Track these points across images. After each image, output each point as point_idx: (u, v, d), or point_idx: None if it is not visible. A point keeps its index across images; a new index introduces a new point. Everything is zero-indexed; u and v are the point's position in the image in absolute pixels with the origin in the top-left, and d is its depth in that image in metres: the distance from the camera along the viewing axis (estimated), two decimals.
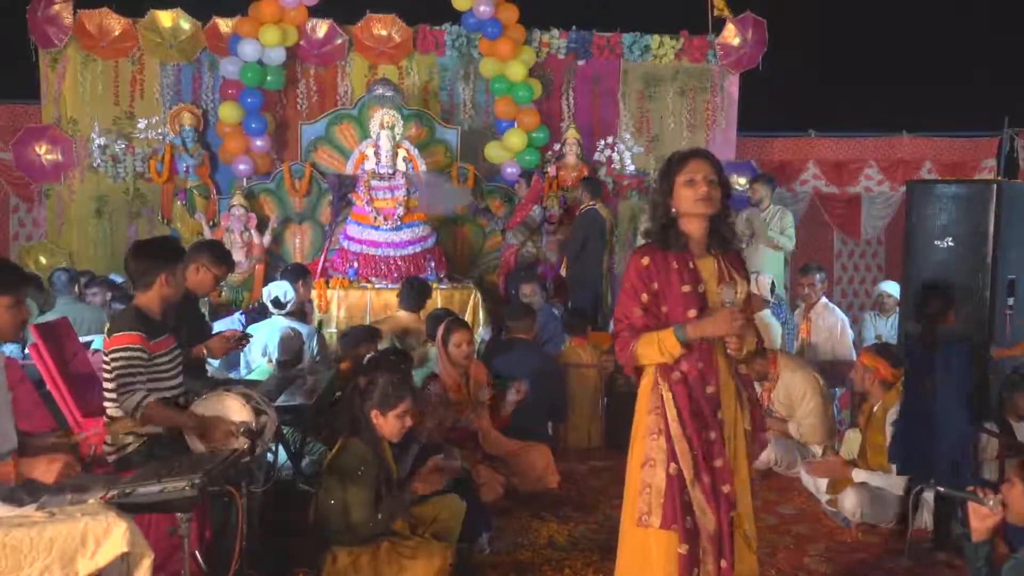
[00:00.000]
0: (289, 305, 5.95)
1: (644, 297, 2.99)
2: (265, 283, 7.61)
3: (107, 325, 3.80)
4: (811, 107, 10.36)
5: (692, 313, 2.95)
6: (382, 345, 5.65)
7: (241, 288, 8.24)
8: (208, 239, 6.35)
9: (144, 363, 3.63)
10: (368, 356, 5.00)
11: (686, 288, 2.96)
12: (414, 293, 6.51)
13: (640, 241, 3.30)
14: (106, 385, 3.69)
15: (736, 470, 3.03)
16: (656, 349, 2.94)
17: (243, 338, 4.64)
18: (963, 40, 10.30)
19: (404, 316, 6.42)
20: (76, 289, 7.07)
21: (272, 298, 5.96)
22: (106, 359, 3.67)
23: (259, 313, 6.41)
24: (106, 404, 3.73)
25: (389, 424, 3.77)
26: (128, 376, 3.57)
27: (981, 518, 2.70)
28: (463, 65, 9.69)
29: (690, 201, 2.94)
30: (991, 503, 2.66)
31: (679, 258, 2.99)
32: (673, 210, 2.99)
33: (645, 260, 3.01)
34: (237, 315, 6.74)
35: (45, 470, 2.79)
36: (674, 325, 2.93)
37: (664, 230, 3.01)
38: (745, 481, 3.06)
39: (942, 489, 2.80)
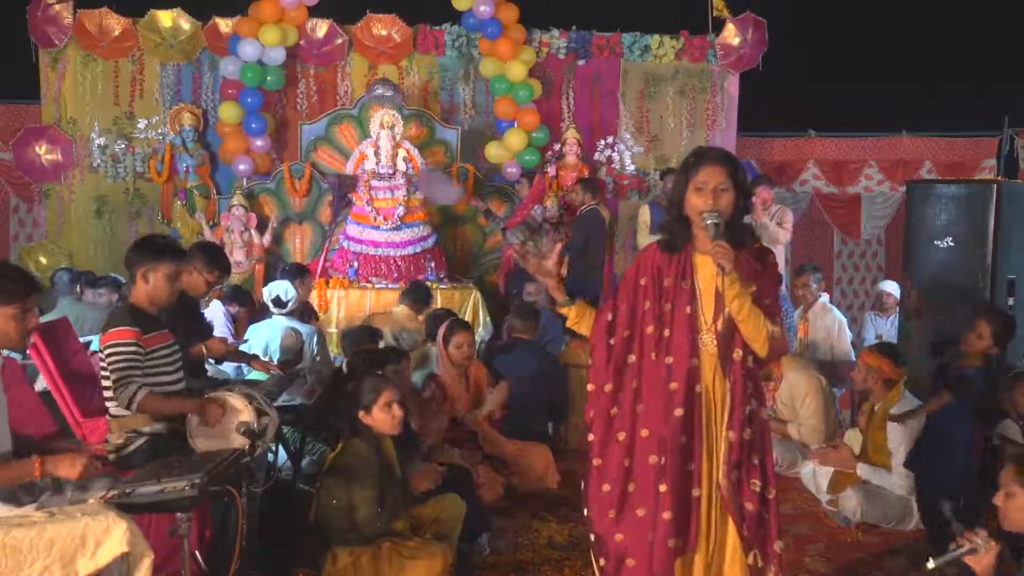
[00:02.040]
0: (290, 304, 5.94)
1: (620, 290, 3.03)
2: (265, 283, 7.61)
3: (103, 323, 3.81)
4: (811, 107, 10.36)
5: (667, 306, 2.94)
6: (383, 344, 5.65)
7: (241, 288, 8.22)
8: (206, 242, 6.33)
9: (140, 357, 3.64)
10: (345, 361, 4.81)
11: (667, 281, 2.96)
12: (413, 295, 6.57)
13: (642, 240, 3.34)
14: (105, 384, 3.70)
15: (710, 477, 2.92)
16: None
17: (251, 358, 4.92)
18: (963, 40, 10.30)
19: (402, 312, 6.44)
20: (78, 289, 7.06)
21: (272, 297, 5.96)
22: (102, 356, 3.67)
23: (234, 295, 6.37)
24: (108, 404, 3.73)
25: (379, 420, 3.77)
26: (123, 370, 3.59)
27: (978, 560, 2.70)
28: (463, 65, 9.68)
29: (695, 210, 2.89)
30: (981, 545, 2.67)
31: (676, 254, 2.99)
32: (684, 210, 2.95)
33: (641, 256, 3.07)
34: (216, 303, 6.70)
35: (69, 467, 2.80)
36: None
37: (671, 233, 3.00)
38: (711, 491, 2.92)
39: (932, 566, 2.77)
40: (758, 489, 2.90)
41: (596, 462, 3.03)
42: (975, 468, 4.51)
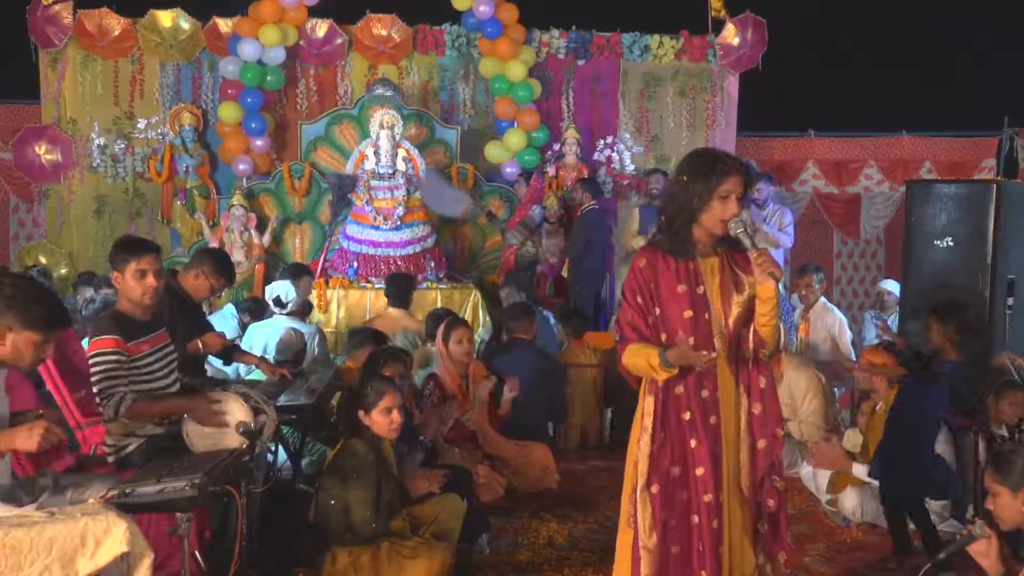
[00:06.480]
0: (290, 305, 5.95)
1: (639, 299, 2.97)
2: (265, 283, 7.60)
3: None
4: (811, 107, 10.35)
5: (688, 314, 2.93)
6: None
7: (241, 288, 8.22)
8: (216, 249, 6.36)
9: (123, 366, 3.62)
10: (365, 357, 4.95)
11: (682, 288, 2.94)
12: (395, 289, 6.58)
13: (631, 244, 3.30)
14: (94, 388, 3.70)
15: (728, 482, 2.96)
16: (645, 363, 2.90)
17: (259, 360, 4.93)
18: (964, 40, 10.30)
19: (395, 313, 6.45)
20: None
21: (273, 297, 5.98)
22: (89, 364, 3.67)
23: (251, 307, 6.42)
24: (100, 408, 3.73)
25: (377, 422, 3.78)
26: (106, 381, 3.58)
27: (984, 555, 2.70)
28: (463, 65, 9.69)
29: (717, 218, 2.89)
30: (977, 531, 2.68)
31: (683, 260, 2.97)
32: (698, 217, 2.91)
33: (642, 262, 3.01)
34: (229, 307, 6.73)
35: (26, 438, 2.70)
36: (659, 349, 2.87)
37: (673, 237, 2.96)
38: (736, 495, 2.97)
39: (943, 556, 2.79)
40: (778, 485, 2.98)
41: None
42: (949, 464, 4.52)
